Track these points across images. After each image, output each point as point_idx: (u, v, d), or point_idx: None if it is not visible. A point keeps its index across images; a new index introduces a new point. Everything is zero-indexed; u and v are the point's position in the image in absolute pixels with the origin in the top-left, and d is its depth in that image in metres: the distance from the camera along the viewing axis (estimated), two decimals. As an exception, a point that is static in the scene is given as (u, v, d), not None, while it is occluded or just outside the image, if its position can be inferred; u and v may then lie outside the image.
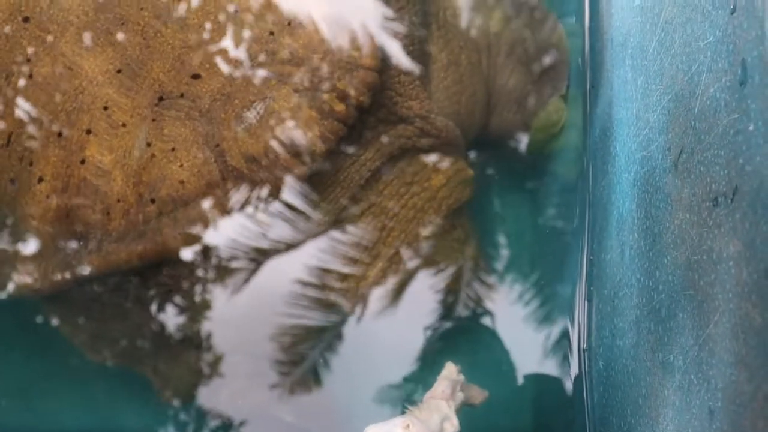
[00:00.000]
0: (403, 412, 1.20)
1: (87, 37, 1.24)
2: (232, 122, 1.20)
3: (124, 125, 1.21)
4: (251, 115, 1.21)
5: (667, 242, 0.96)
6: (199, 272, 1.26)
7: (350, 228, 1.28)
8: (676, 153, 0.94)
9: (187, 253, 1.22)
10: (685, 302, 0.90)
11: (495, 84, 1.43)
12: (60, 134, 1.21)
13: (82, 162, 1.21)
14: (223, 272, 1.25)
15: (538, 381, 1.34)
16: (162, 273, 1.26)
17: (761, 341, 0.74)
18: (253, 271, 1.25)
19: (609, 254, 1.19)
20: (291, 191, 1.22)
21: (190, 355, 1.32)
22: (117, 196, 1.20)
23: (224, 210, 1.21)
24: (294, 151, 1.20)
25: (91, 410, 1.38)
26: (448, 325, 1.33)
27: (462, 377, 1.23)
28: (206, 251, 1.23)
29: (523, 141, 1.42)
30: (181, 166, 1.20)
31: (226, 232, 1.21)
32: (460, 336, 1.33)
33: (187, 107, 1.22)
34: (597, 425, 1.23)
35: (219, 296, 1.26)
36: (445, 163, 1.33)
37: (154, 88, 1.23)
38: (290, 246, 1.25)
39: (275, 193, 1.22)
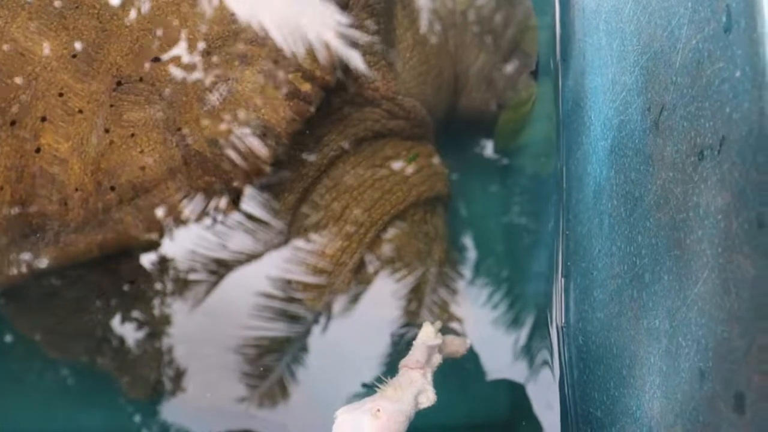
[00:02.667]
0: (374, 391, 1.16)
1: (39, 22, 1.20)
2: (194, 105, 1.16)
3: (80, 111, 1.17)
4: (214, 98, 1.17)
5: (649, 205, 0.93)
6: (160, 275, 1.23)
7: (312, 235, 1.25)
8: (657, 112, 0.92)
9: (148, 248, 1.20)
10: (671, 263, 0.87)
11: (462, 63, 1.40)
12: (13, 123, 1.17)
13: (37, 150, 1.17)
14: (182, 284, 1.22)
15: (515, 363, 1.30)
16: (124, 263, 1.22)
17: (755, 293, 0.71)
18: (214, 283, 1.22)
19: (586, 227, 1.16)
20: (251, 201, 1.19)
21: (155, 350, 1.28)
22: (75, 185, 1.16)
23: (186, 197, 1.17)
24: (259, 133, 1.16)
25: (53, 411, 1.32)
26: (418, 317, 1.29)
27: (440, 339, 1.19)
28: (164, 262, 1.21)
29: (494, 119, 1.39)
30: (142, 151, 1.16)
31: (184, 243, 1.18)
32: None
33: (147, 91, 1.18)
34: (578, 403, 1.19)
35: (178, 310, 1.23)
36: (420, 152, 1.31)
37: (112, 73, 1.19)
38: (251, 257, 1.22)
39: (235, 203, 1.19)
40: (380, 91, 1.27)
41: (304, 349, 1.26)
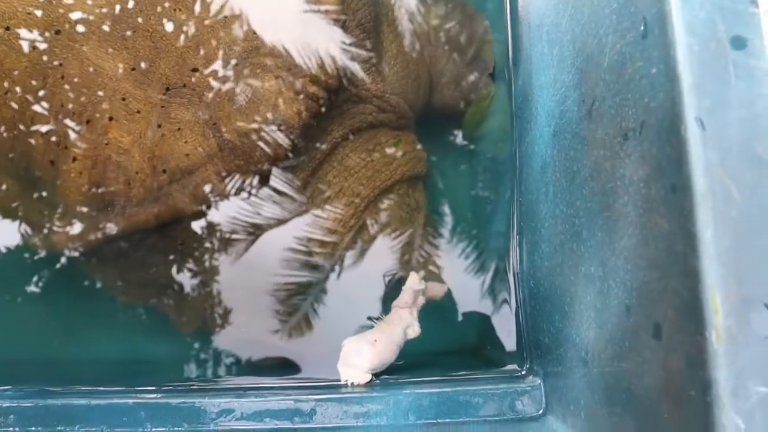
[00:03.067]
0: (373, 325, 1.18)
1: (106, 43, 1.20)
2: (226, 105, 1.17)
3: (138, 112, 1.18)
4: (241, 99, 1.17)
5: (584, 176, 0.89)
6: (206, 237, 1.22)
7: (325, 205, 1.25)
8: (590, 103, 0.88)
9: (195, 215, 1.20)
10: (602, 222, 0.83)
11: (435, 68, 1.37)
12: (88, 122, 1.18)
13: (107, 143, 1.18)
14: (225, 243, 1.23)
15: (481, 301, 1.28)
16: (175, 229, 1.22)
17: (669, 244, 0.68)
18: (251, 242, 1.23)
19: (535, 194, 1.12)
20: (277, 179, 1.20)
21: (204, 294, 1.28)
22: (136, 169, 1.17)
23: (221, 177, 1.17)
24: (278, 126, 1.16)
25: (123, 342, 1.31)
26: (404, 269, 1.27)
27: (423, 285, 1.19)
28: (208, 227, 1.21)
29: (462, 113, 1.36)
30: (186, 142, 1.16)
31: (227, 212, 1.19)
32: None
33: (189, 95, 1.19)
34: (530, 332, 1.17)
35: (224, 262, 1.24)
36: (405, 139, 1.30)
37: (162, 81, 1.19)
38: (280, 222, 1.23)
39: (265, 181, 1.20)
40: (371, 91, 1.26)
41: (323, 291, 1.25)
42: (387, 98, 1.27)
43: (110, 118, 1.17)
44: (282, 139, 1.16)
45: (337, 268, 1.25)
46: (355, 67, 1.25)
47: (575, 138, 0.92)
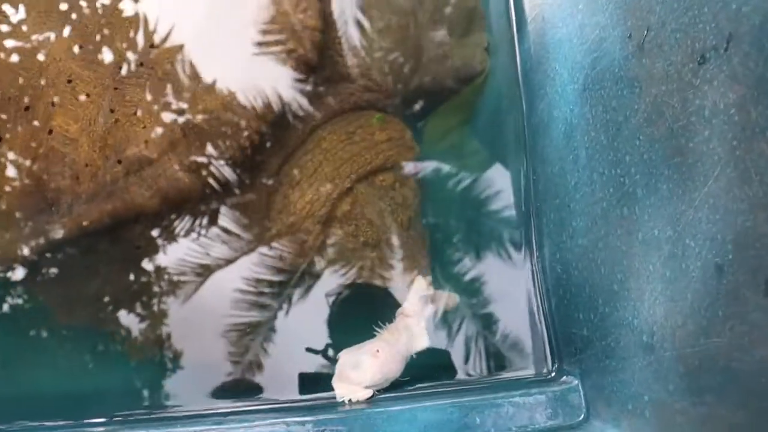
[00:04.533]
0: (374, 335, 1.03)
1: (47, 18, 1.05)
2: (191, 83, 1.04)
3: (87, 95, 1.03)
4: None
5: (636, 124, 0.75)
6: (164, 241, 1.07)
7: (289, 192, 1.10)
8: (640, 36, 0.75)
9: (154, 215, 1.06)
10: (671, 171, 0.69)
11: (423, 43, 1.22)
12: (27, 109, 1.03)
13: (50, 132, 1.03)
14: (174, 285, 1.09)
15: (493, 305, 1.12)
16: (131, 231, 1.07)
17: (786, 175, 0.54)
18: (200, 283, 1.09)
19: (557, 165, 0.98)
20: (225, 218, 1.08)
21: (157, 315, 1.11)
22: (84, 161, 1.02)
23: (186, 167, 1.03)
24: (251, 106, 1.05)
25: (67, 371, 1.11)
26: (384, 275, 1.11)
27: (431, 290, 1.03)
28: (166, 229, 1.07)
29: (454, 92, 1.21)
30: (144, 127, 1.03)
31: (175, 254, 1.07)
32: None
33: (147, 74, 1.05)
34: (557, 326, 1.02)
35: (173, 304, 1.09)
36: (391, 127, 1.16)
37: (115, 59, 1.05)
38: (229, 261, 1.10)
39: (214, 220, 1.08)
40: (355, 69, 1.14)
41: (272, 329, 1.11)
42: (373, 77, 1.15)
43: (53, 104, 1.02)
44: (255, 121, 1.01)
45: (285, 306, 1.11)
46: (336, 43, 1.11)
47: (619, 83, 0.79)
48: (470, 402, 0.92)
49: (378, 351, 1.01)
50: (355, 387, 1.00)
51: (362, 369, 1.00)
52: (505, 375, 1.04)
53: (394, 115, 1.17)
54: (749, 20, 0.58)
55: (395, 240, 1.12)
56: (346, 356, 1.02)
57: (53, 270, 1.07)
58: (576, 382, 0.93)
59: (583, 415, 0.91)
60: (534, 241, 1.08)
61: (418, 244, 1.14)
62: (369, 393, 1.00)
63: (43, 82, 1.02)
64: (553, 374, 1.01)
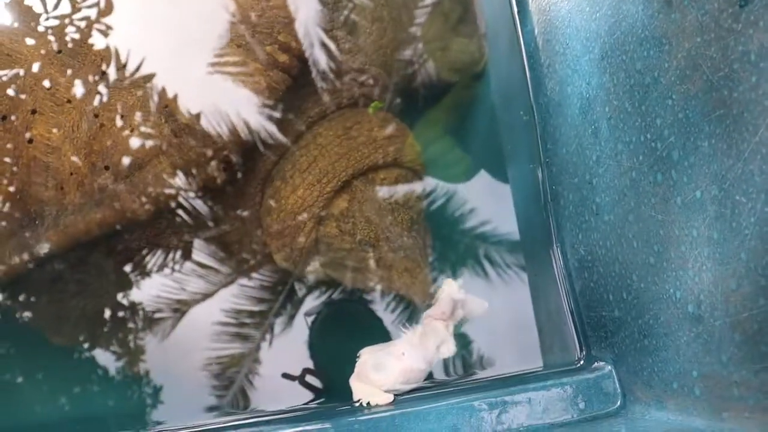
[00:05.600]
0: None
1: (22, 23, 1.01)
2: (179, 82, 0.99)
3: (69, 101, 0.97)
4: (198, 73, 0.99)
5: (669, 82, 0.72)
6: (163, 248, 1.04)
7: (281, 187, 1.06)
8: (666, -10, 0.71)
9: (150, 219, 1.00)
10: (713, 126, 0.66)
11: (417, 34, 1.19)
12: (4, 118, 0.97)
13: (30, 141, 0.96)
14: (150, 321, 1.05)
15: (515, 299, 1.07)
16: (124, 242, 1.02)
17: None
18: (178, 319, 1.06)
19: (574, 143, 0.94)
20: (200, 252, 1.05)
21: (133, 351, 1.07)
22: (69, 170, 0.96)
23: (178, 168, 0.98)
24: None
25: (64, 397, 1.04)
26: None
27: (463, 294, 0.97)
28: (160, 236, 1.03)
29: (451, 84, 1.17)
30: (132, 130, 0.97)
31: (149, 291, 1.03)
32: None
33: (131, 76, 1.00)
34: (583, 311, 0.97)
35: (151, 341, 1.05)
36: (392, 125, 1.11)
37: (96, 63, 0.99)
38: (206, 296, 1.06)
39: (188, 255, 1.05)
40: (348, 63, 1.10)
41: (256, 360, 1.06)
42: (367, 70, 1.11)
43: (33, 111, 0.96)
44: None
45: (268, 336, 1.07)
46: (329, 36, 1.07)
47: (644, 44, 0.75)
48: (499, 397, 0.87)
49: (404, 354, 0.96)
50: (374, 389, 0.95)
51: (385, 371, 0.95)
52: (533, 367, 0.99)
53: (394, 115, 1.13)
54: (798, -49, 0.55)
55: (395, 240, 1.07)
56: (367, 355, 0.97)
57: (42, 287, 1.01)
58: (609, 368, 0.89)
59: (619, 402, 0.87)
60: (552, 225, 1.04)
61: (420, 244, 1.09)
62: (390, 398, 0.95)
63: (19, 89, 0.97)
64: (582, 362, 0.96)
